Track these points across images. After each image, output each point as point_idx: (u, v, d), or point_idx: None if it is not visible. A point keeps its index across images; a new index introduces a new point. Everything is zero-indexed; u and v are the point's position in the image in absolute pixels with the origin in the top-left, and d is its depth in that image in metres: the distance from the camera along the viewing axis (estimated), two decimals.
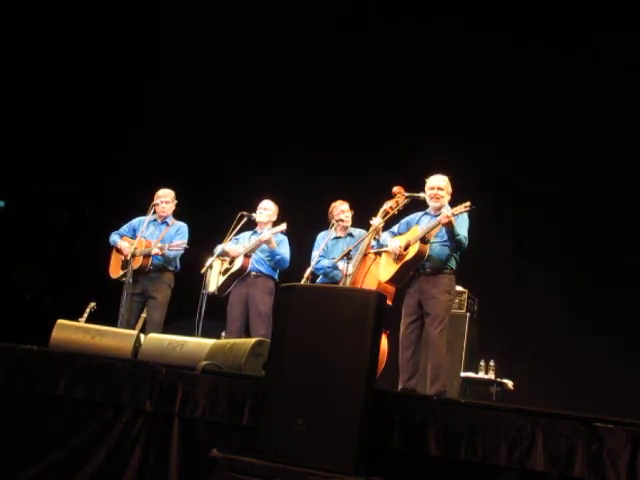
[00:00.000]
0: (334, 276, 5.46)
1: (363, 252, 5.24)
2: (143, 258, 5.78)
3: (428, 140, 7.07)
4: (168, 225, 6.09)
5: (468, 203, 4.67)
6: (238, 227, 5.84)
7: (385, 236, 5.10)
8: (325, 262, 5.58)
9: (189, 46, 8.56)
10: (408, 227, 5.05)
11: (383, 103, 7.67)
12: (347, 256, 5.08)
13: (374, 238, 5.24)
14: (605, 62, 6.76)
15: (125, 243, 5.92)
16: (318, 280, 5.60)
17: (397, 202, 5.22)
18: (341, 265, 5.28)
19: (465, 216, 4.87)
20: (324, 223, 5.83)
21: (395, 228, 5.13)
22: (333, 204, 5.79)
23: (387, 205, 5.23)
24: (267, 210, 5.99)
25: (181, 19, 8.48)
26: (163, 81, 8.72)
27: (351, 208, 5.76)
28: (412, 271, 4.85)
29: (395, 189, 5.28)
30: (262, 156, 7.98)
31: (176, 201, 6.16)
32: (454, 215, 4.67)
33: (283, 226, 5.80)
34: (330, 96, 7.91)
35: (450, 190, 5.00)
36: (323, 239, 5.73)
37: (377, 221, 5.18)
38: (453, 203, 4.91)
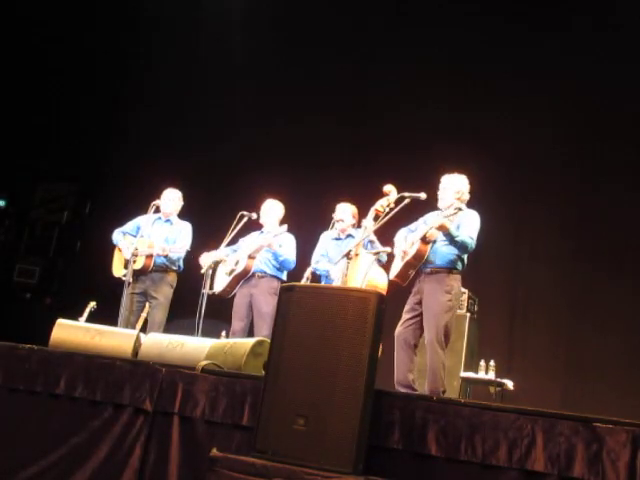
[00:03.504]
0: (331, 279, 5.45)
1: (355, 252, 5.20)
2: (146, 258, 5.77)
3: (430, 140, 7.08)
4: (172, 225, 6.10)
5: (457, 206, 4.70)
6: (238, 227, 5.84)
7: (401, 233, 5.09)
8: (322, 265, 5.55)
9: (189, 45, 8.57)
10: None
11: (385, 102, 7.67)
12: (347, 256, 5.06)
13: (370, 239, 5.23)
14: None
15: (125, 246, 5.89)
16: (322, 281, 5.59)
17: (388, 200, 5.11)
18: (339, 266, 5.24)
19: (474, 216, 4.88)
20: (325, 222, 5.82)
21: (413, 225, 5.12)
22: (336, 205, 5.78)
23: (378, 204, 5.13)
24: (271, 213, 5.99)
25: (176, 13, 8.50)
26: (162, 80, 8.73)
27: (358, 212, 5.70)
28: (414, 270, 4.85)
29: (385, 188, 5.18)
30: (263, 155, 7.98)
31: (182, 202, 6.17)
32: (446, 217, 4.66)
33: (283, 229, 5.81)
34: (332, 95, 7.92)
35: (460, 189, 4.97)
36: (325, 239, 5.73)
37: (368, 222, 5.15)
38: (467, 204, 4.94)
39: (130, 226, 6.10)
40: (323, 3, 8.14)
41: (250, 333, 5.80)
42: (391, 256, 5.15)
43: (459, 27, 7.37)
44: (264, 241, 5.75)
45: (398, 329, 4.86)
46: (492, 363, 5.91)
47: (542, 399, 5.97)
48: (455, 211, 4.65)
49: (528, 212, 7.09)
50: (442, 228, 4.65)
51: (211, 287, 5.75)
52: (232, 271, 5.86)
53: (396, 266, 4.96)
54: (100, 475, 3.59)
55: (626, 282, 6.43)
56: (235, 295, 5.89)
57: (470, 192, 5.01)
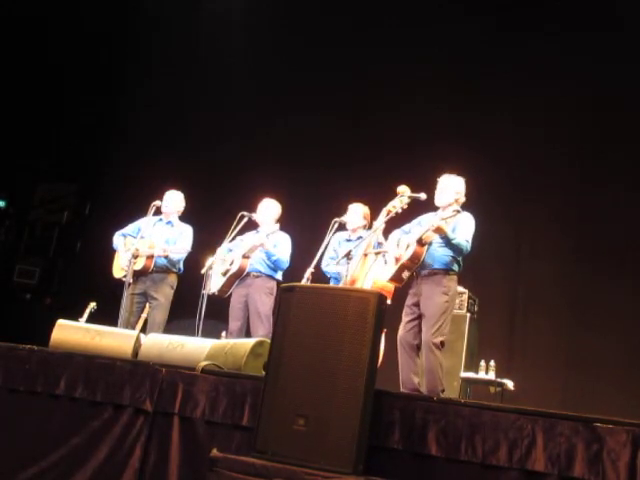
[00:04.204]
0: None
1: (363, 252, 5.22)
2: (146, 259, 5.78)
3: (430, 140, 7.08)
4: (173, 226, 6.10)
5: (455, 208, 4.72)
6: (239, 227, 5.84)
7: (395, 235, 5.08)
8: (333, 268, 5.54)
9: (188, 45, 8.57)
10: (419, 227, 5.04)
11: (385, 102, 7.67)
12: (347, 256, 5.06)
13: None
14: None
15: (122, 252, 5.89)
16: (330, 283, 5.57)
17: (401, 201, 5.10)
18: (342, 266, 5.25)
19: (469, 219, 4.87)
20: (325, 222, 5.81)
21: (407, 227, 5.11)
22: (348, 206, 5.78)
23: (390, 205, 5.15)
24: (267, 212, 5.99)
25: (176, 13, 8.50)
26: (162, 80, 8.73)
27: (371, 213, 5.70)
28: (411, 272, 4.84)
29: (399, 188, 5.17)
30: (263, 155, 7.98)
31: (183, 204, 6.17)
32: (443, 220, 4.66)
33: (275, 228, 5.82)
34: (332, 94, 7.91)
35: (459, 190, 4.96)
36: (336, 241, 5.71)
37: (378, 222, 5.16)
38: (466, 205, 4.93)
39: (131, 228, 6.10)
40: (323, 3, 8.14)
41: (246, 333, 5.80)
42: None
43: (459, 27, 7.37)
44: (257, 241, 5.75)
45: (400, 332, 4.86)
46: (492, 363, 5.91)
47: (542, 399, 5.97)
48: (454, 213, 4.65)
49: (528, 212, 7.08)
50: (439, 231, 4.65)
51: (205, 287, 5.74)
52: (227, 271, 5.86)
53: (390, 268, 4.96)
54: (100, 475, 3.59)
55: (626, 282, 6.42)
56: (231, 295, 5.89)
57: (466, 195, 5.00)
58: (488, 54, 7.32)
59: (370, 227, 5.53)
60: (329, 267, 5.56)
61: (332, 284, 5.50)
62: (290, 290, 3.26)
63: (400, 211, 5.07)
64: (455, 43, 7.38)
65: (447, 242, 4.74)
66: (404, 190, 5.15)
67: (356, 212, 5.68)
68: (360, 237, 5.59)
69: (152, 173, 7.51)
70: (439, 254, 4.81)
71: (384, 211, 5.17)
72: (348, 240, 5.67)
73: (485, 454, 2.91)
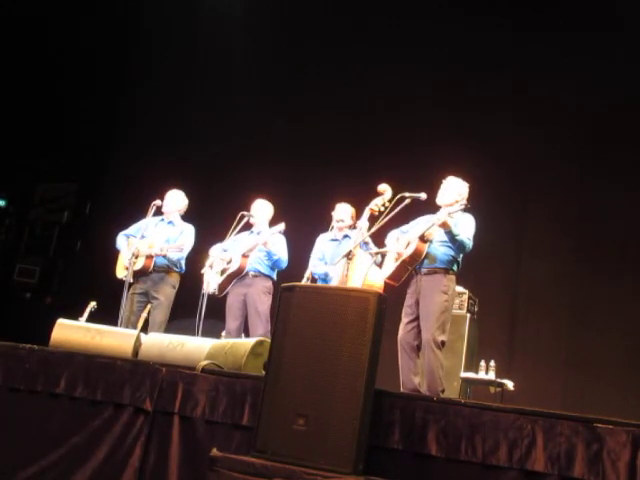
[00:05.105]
0: (329, 281, 5.45)
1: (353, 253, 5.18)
2: (146, 259, 5.78)
3: (430, 140, 7.08)
4: (174, 226, 6.10)
5: (463, 203, 4.72)
6: (239, 227, 5.84)
7: (393, 234, 5.08)
8: (320, 269, 5.55)
9: (188, 45, 8.57)
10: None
11: (385, 102, 7.67)
12: (348, 256, 5.04)
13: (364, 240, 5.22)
14: None
15: (125, 253, 5.89)
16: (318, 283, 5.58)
17: (383, 200, 5.07)
18: (339, 266, 5.22)
19: (470, 219, 4.87)
20: (324, 223, 5.82)
21: (405, 227, 5.10)
22: (336, 205, 5.78)
23: (372, 204, 5.10)
24: (261, 213, 5.98)
25: (176, 13, 8.51)
26: (162, 80, 8.74)
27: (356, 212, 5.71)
28: (411, 270, 4.84)
29: (380, 187, 5.14)
30: (262, 155, 7.98)
31: (185, 202, 6.16)
32: (450, 214, 4.66)
33: (282, 226, 5.79)
34: (332, 94, 7.91)
35: (462, 193, 4.95)
36: (322, 241, 5.72)
37: (362, 222, 5.14)
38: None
39: (134, 229, 6.10)
40: (323, 3, 8.14)
41: (244, 332, 5.81)
42: (383, 257, 5.13)
43: (459, 27, 7.38)
44: (260, 239, 5.75)
45: (400, 333, 4.85)
46: (492, 363, 5.90)
47: (542, 399, 5.97)
48: (462, 207, 4.65)
49: (528, 212, 7.08)
50: (444, 226, 4.65)
51: (205, 287, 5.74)
52: (224, 270, 5.85)
53: (389, 267, 4.94)
54: (100, 475, 3.59)
55: (626, 282, 6.43)
56: (227, 294, 5.89)
57: (467, 201, 4.98)
58: (488, 54, 7.32)
59: (354, 227, 5.53)
60: (316, 268, 5.56)
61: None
62: (290, 290, 3.25)
63: (383, 209, 5.03)
64: (455, 43, 7.38)
65: (451, 238, 4.72)
66: (385, 189, 5.14)
67: (346, 211, 5.69)
68: (346, 236, 5.60)
69: (152, 173, 7.51)
70: (440, 253, 4.81)
71: (367, 210, 5.15)
72: (334, 240, 5.67)
73: (485, 454, 2.91)
